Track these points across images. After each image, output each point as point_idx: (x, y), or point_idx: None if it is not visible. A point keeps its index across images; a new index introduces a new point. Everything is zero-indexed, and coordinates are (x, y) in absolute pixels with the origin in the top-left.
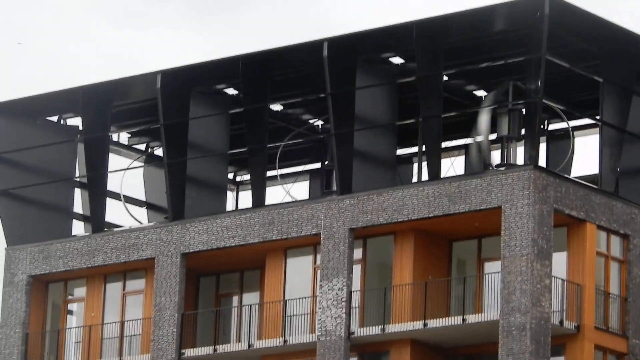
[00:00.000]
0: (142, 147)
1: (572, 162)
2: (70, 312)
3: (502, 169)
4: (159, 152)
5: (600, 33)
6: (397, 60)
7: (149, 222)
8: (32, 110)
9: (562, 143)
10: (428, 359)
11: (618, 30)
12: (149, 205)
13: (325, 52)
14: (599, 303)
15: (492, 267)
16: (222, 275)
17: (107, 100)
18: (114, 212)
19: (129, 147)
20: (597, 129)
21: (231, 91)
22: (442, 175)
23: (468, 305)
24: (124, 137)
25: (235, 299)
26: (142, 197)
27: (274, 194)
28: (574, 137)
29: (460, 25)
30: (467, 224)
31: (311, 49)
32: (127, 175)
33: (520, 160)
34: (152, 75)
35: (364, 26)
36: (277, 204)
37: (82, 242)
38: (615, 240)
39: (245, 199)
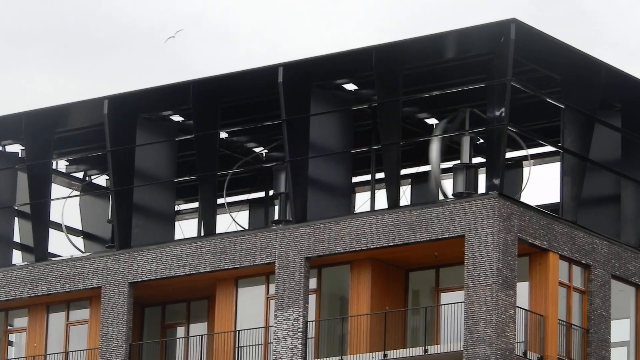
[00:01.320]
0: (80, 175)
1: (521, 191)
2: (11, 343)
3: (464, 197)
4: (97, 180)
5: (563, 59)
6: (350, 86)
7: (85, 252)
8: None
9: (515, 172)
10: None
11: (581, 57)
12: (87, 235)
13: (280, 78)
14: (561, 334)
15: (449, 298)
16: (168, 306)
17: (50, 126)
18: (52, 242)
19: (67, 175)
20: (559, 157)
21: (177, 118)
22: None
23: (426, 337)
24: (61, 164)
25: (181, 330)
26: (79, 226)
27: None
28: (523, 166)
29: (417, 51)
30: (425, 254)
31: (265, 74)
32: (60, 204)
33: (480, 188)
34: (99, 101)
35: (316, 52)
36: (229, 232)
37: (25, 271)
38: (577, 271)
39: (188, 228)
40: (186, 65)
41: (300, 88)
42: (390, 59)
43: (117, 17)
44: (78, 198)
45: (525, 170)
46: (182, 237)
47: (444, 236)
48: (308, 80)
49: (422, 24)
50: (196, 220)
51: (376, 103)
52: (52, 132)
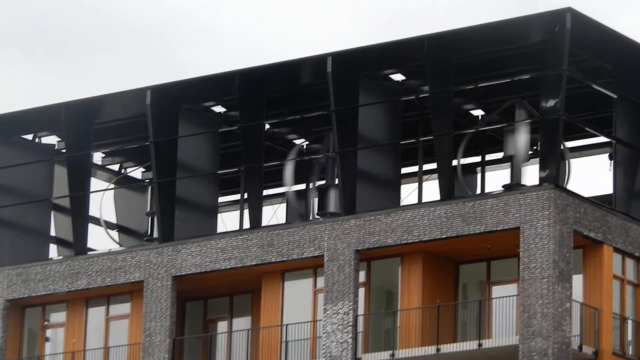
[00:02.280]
0: (115, 167)
1: (565, 182)
2: (47, 339)
3: (514, 189)
4: (133, 173)
5: (617, 49)
6: (398, 77)
7: (121, 245)
8: (7, 128)
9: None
10: None
11: (634, 47)
12: (122, 228)
13: (329, 68)
14: (616, 328)
15: (501, 291)
16: (210, 300)
17: (89, 117)
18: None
19: (103, 168)
20: (604, 149)
21: (220, 109)
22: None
23: (476, 331)
24: (96, 157)
25: (223, 325)
26: (113, 220)
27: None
28: (565, 158)
29: (470, 40)
30: (477, 246)
31: (311, 64)
32: (96, 197)
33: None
34: (141, 92)
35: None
36: (276, 225)
37: (64, 265)
38: (630, 263)
39: (229, 220)
40: (176, 64)
41: (349, 78)
42: (443, 49)
43: (103, 16)
44: (112, 191)
45: (570, 161)
46: (225, 230)
47: (498, 228)
48: (357, 70)
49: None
50: (237, 212)
51: (427, 94)
52: (91, 124)
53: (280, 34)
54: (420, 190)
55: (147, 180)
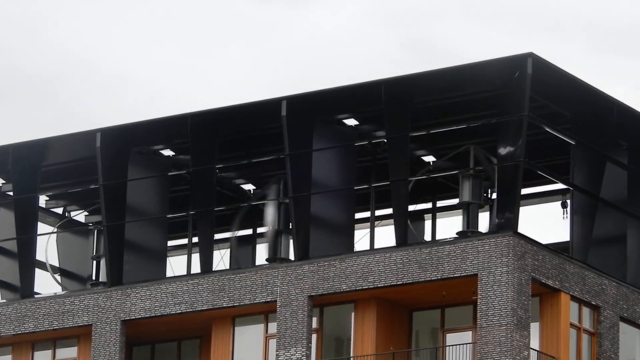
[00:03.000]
0: (59, 210)
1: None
2: None
3: (468, 236)
4: (76, 217)
5: (576, 95)
6: (352, 122)
7: (62, 290)
8: None
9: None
10: None
11: (593, 93)
12: (65, 273)
13: (283, 112)
14: None
15: (455, 339)
16: (158, 345)
17: (37, 160)
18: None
19: (46, 211)
20: (553, 197)
21: (169, 152)
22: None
23: None
24: (40, 200)
25: None
26: (55, 264)
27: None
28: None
29: (428, 85)
30: (431, 293)
31: (267, 107)
32: (40, 241)
33: (482, 227)
34: (91, 134)
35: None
36: (227, 270)
37: (11, 308)
38: (587, 312)
39: (177, 265)
40: (74, 114)
41: (304, 123)
42: (400, 93)
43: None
44: (55, 235)
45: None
46: (174, 274)
47: (455, 275)
48: (311, 115)
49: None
50: (185, 257)
51: (381, 139)
52: (38, 166)
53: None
54: (373, 236)
55: (92, 224)
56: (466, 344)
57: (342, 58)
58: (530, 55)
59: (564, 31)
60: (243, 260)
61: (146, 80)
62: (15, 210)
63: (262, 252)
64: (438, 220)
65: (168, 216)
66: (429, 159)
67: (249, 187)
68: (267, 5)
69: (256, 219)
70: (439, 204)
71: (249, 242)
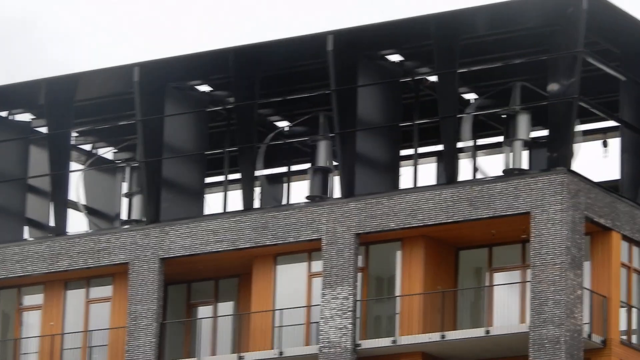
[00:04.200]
0: (87, 147)
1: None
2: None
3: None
4: (105, 154)
5: (625, 31)
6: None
7: (89, 228)
8: None
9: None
10: None
11: None
12: (91, 211)
13: (329, 47)
14: (623, 316)
15: (502, 278)
16: (194, 284)
17: (69, 96)
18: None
19: (74, 148)
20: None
21: (205, 88)
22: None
23: (478, 318)
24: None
25: (207, 309)
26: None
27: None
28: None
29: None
30: (480, 232)
31: (312, 42)
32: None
33: (525, 165)
34: (128, 68)
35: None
36: (270, 207)
37: (44, 246)
38: (637, 252)
39: (214, 202)
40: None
41: (350, 58)
42: (449, 29)
43: None
44: (82, 173)
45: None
46: (211, 212)
47: (507, 213)
48: (356, 50)
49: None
50: (221, 194)
51: (426, 76)
52: (71, 102)
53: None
54: (416, 175)
55: (124, 162)
56: (520, 282)
57: None
58: None
59: None
60: (271, 200)
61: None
62: (49, 147)
63: (296, 190)
64: (482, 158)
65: (206, 153)
66: (471, 96)
67: (283, 124)
68: None
69: (290, 156)
70: (481, 142)
71: (280, 181)
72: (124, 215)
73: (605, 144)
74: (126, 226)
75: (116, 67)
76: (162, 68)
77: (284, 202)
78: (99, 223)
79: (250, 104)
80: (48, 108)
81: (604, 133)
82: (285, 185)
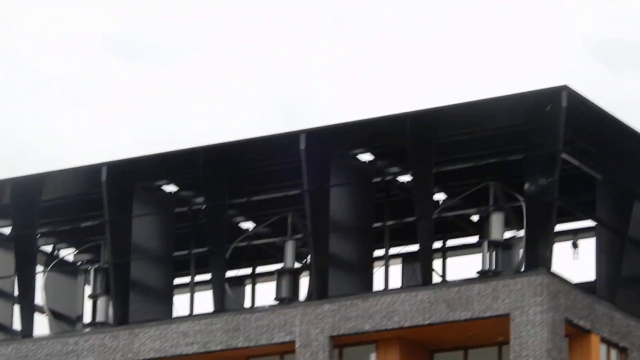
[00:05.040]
0: (47, 248)
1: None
2: None
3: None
4: (65, 253)
5: (602, 129)
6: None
7: (50, 331)
8: None
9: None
10: None
11: (621, 128)
12: (52, 313)
13: (302, 146)
14: None
15: None
16: None
17: (36, 195)
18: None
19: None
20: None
21: (172, 188)
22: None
23: None
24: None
25: None
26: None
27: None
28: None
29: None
30: (456, 334)
31: (284, 140)
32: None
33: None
34: (95, 168)
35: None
36: (243, 309)
37: (11, 348)
38: (614, 354)
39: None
40: None
41: (321, 157)
42: (422, 128)
43: None
44: (42, 275)
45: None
46: (179, 315)
47: (487, 314)
48: (328, 149)
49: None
50: (187, 295)
51: (395, 175)
52: (36, 202)
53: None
54: (387, 276)
55: (83, 263)
56: None
57: None
58: (565, 88)
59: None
60: (236, 303)
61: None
62: (15, 249)
63: (262, 293)
64: (454, 259)
65: (175, 254)
66: (440, 196)
67: (249, 225)
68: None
69: (255, 258)
70: (455, 242)
71: (241, 283)
72: (87, 318)
73: (575, 245)
74: (90, 329)
75: (83, 166)
76: (130, 168)
77: (249, 304)
78: (61, 326)
79: (220, 204)
80: (14, 208)
81: (574, 234)
82: (250, 287)
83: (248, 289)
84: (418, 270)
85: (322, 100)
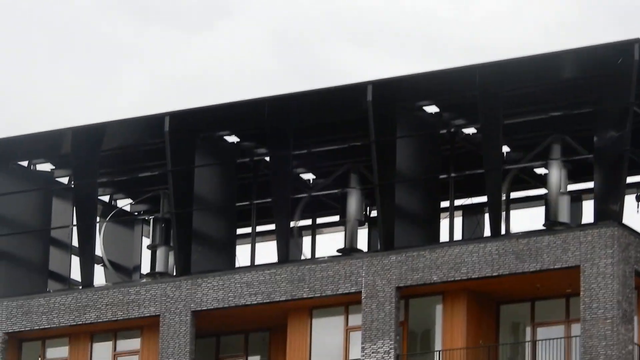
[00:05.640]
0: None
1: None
2: None
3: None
4: (121, 204)
5: None
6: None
7: (106, 281)
8: (2, 154)
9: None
10: None
11: None
12: (111, 264)
13: (369, 97)
14: None
15: (545, 333)
16: (223, 337)
17: (96, 145)
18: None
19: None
20: None
21: (233, 139)
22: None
23: None
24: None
25: None
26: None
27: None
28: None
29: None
30: (523, 286)
31: (351, 93)
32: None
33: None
34: (159, 118)
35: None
36: (308, 260)
37: (70, 297)
38: None
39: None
40: None
41: (388, 109)
42: (493, 81)
43: None
44: (100, 225)
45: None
46: (240, 265)
47: (555, 266)
48: (394, 101)
49: None
50: (249, 246)
51: (462, 127)
52: (96, 152)
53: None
54: (452, 227)
55: (135, 213)
56: (570, 337)
57: None
58: (637, 40)
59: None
60: (302, 253)
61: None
62: (75, 199)
63: (323, 243)
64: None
65: (237, 204)
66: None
67: (308, 177)
68: None
69: (317, 209)
70: (521, 194)
71: (304, 234)
72: (145, 269)
73: (638, 198)
74: (155, 278)
75: (146, 116)
76: (192, 118)
77: (309, 255)
78: (118, 276)
79: (285, 155)
80: (74, 158)
81: (638, 187)
82: (311, 239)
83: (308, 240)
84: (482, 221)
85: (374, 56)
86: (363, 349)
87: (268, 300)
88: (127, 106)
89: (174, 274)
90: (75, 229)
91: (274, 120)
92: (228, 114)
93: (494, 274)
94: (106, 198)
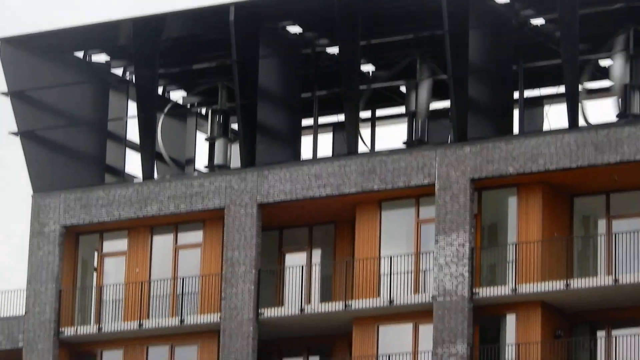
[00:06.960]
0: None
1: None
2: (95, 269)
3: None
4: (174, 96)
5: None
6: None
7: (157, 174)
8: (59, 44)
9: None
10: (563, 324)
11: None
12: (163, 157)
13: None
14: None
15: (621, 226)
16: (285, 230)
17: (156, 36)
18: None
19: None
20: None
21: (297, 29)
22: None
23: (594, 266)
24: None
25: (299, 257)
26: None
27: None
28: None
29: None
30: (598, 178)
31: None
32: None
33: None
34: (223, 8)
35: None
36: (378, 151)
37: (132, 190)
38: None
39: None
40: None
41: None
42: None
43: None
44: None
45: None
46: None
47: (636, 158)
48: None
49: None
50: (311, 137)
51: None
52: (156, 43)
53: None
54: (522, 119)
55: (188, 105)
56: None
57: None
58: None
59: None
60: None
61: None
62: (137, 91)
63: (383, 136)
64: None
65: (302, 96)
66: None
67: (368, 68)
68: None
69: (379, 102)
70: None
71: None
72: (201, 162)
73: None
74: (218, 170)
75: (210, 6)
76: (256, 9)
77: (372, 147)
78: (174, 169)
79: (353, 47)
80: (135, 50)
81: None
82: (371, 131)
83: (367, 132)
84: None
85: None
86: (437, 241)
87: (337, 193)
88: None
89: (234, 166)
90: (134, 121)
91: (344, 10)
92: (294, 4)
93: (572, 166)
94: (159, 90)
